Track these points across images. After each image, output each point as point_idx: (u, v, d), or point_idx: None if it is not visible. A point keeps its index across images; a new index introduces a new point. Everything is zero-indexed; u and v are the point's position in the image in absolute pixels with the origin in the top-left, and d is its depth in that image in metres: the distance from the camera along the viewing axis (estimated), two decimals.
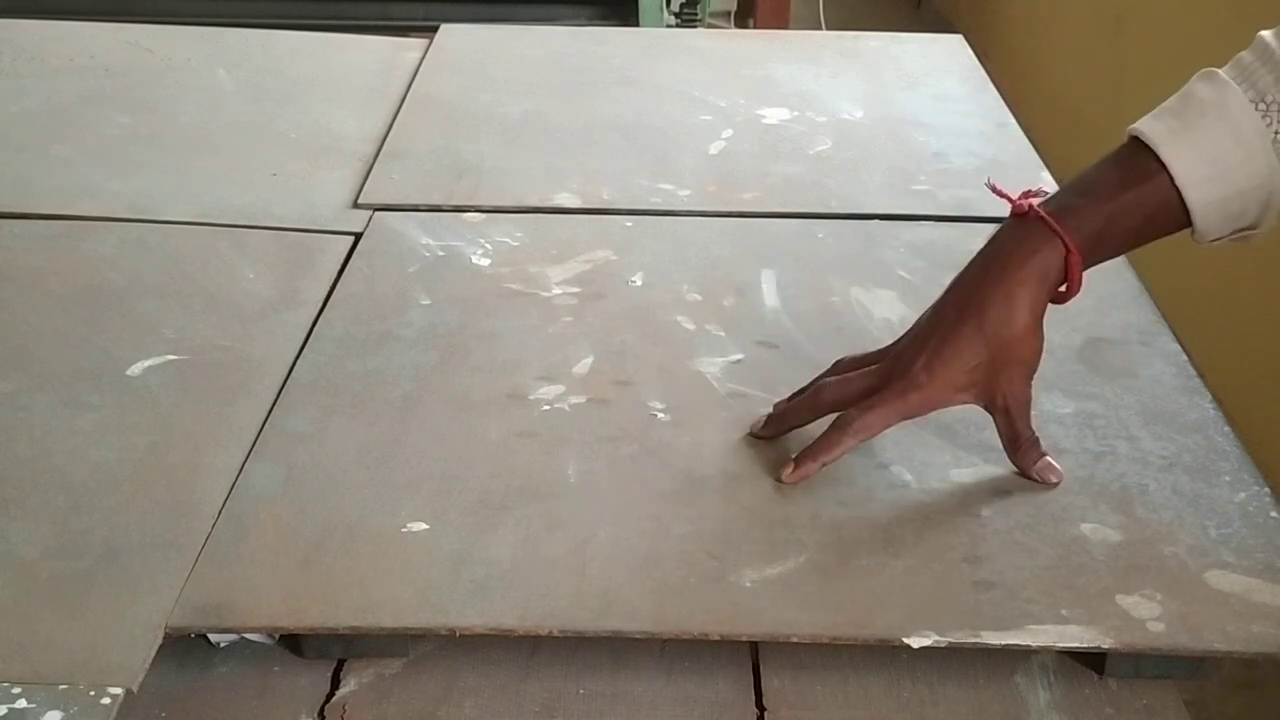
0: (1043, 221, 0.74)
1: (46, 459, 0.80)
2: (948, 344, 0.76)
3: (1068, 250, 0.74)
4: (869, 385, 0.79)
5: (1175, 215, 0.73)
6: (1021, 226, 0.76)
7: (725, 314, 0.97)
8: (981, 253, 0.78)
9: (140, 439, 0.82)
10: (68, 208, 1.11)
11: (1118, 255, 0.78)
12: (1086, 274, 0.76)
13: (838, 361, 0.83)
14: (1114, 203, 0.74)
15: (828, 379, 0.81)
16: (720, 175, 1.19)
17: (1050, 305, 0.77)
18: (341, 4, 1.98)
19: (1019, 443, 0.79)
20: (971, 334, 0.75)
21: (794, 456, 0.79)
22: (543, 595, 0.70)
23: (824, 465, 0.78)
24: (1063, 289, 0.76)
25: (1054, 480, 0.79)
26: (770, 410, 0.84)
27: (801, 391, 0.83)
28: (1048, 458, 0.79)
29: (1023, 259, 0.75)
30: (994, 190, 0.80)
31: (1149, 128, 0.73)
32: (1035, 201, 0.76)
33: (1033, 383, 0.78)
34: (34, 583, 0.71)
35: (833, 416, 0.79)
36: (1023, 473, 0.79)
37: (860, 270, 1.03)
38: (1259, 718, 1.60)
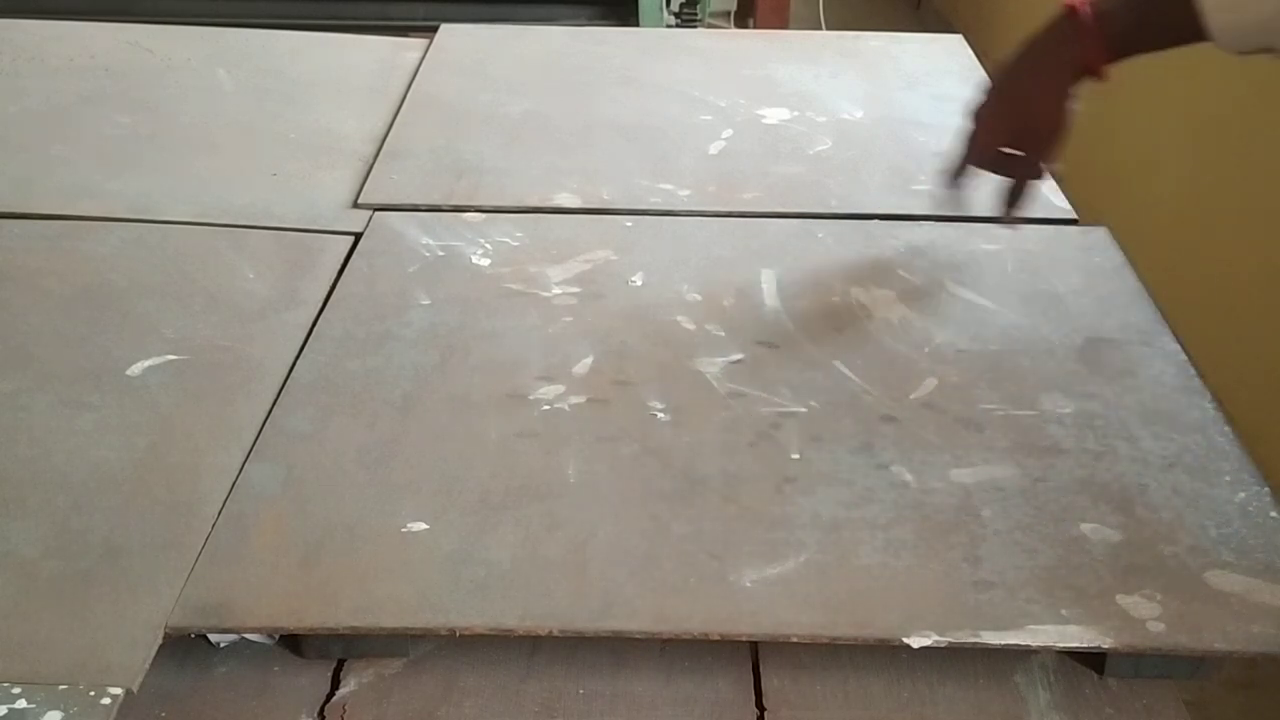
0: (1082, 21, 0.88)
1: (46, 459, 0.80)
2: (988, 112, 0.96)
3: (1098, 47, 0.88)
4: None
5: (1198, 32, 0.83)
6: (1065, 21, 0.90)
7: (725, 314, 0.97)
8: (1026, 39, 0.93)
9: (140, 439, 0.82)
10: (68, 208, 1.11)
11: (1146, 52, 0.89)
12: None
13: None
14: (1145, 11, 0.87)
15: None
16: (720, 175, 1.19)
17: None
18: (341, 4, 1.98)
19: (1021, 194, 0.98)
20: (1005, 105, 0.94)
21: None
22: (543, 595, 0.70)
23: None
24: (1094, 77, 0.90)
25: (1011, 228, 1.04)
26: None
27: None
28: (1017, 216, 1.00)
29: (1057, 45, 0.91)
30: None
31: None
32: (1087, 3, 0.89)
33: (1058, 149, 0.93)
34: (34, 583, 0.71)
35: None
36: (1004, 209, 0.99)
37: (860, 270, 1.03)
38: (1259, 718, 1.60)
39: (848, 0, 3.63)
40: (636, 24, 1.94)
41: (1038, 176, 0.97)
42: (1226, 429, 0.84)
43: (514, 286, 1.01)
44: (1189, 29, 0.83)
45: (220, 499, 0.77)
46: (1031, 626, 0.68)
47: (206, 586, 0.71)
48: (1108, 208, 1.40)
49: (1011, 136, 0.95)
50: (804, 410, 0.86)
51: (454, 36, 1.53)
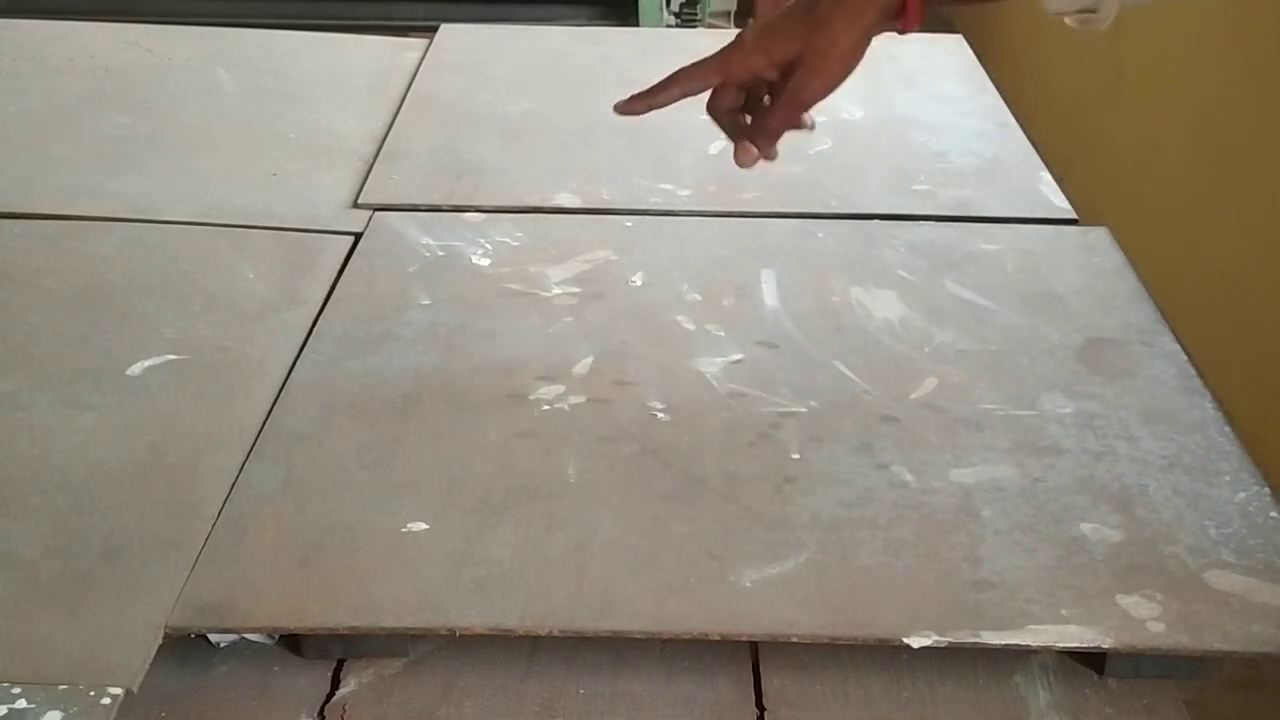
0: None
1: (46, 459, 0.80)
2: (780, 20, 0.81)
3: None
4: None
5: None
6: None
7: (725, 314, 0.97)
8: None
9: (140, 439, 0.82)
10: (68, 208, 1.11)
11: (962, 4, 0.84)
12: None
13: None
14: None
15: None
16: (720, 175, 1.19)
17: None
18: (341, 4, 1.98)
19: (765, 125, 0.81)
20: (800, 18, 0.79)
21: (633, 94, 0.84)
22: (543, 595, 0.70)
23: (650, 108, 0.83)
24: (901, 21, 0.79)
25: (742, 165, 0.81)
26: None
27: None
28: (753, 148, 0.81)
29: None
30: None
31: None
32: None
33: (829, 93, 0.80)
34: (34, 583, 0.71)
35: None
36: (741, 137, 0.81)
37: (860, 270, 1.03)
38: (1259, 718, 1.60)
39: None
40: (636, 24, 1.94)
41: (795, 117, 0.81)
42: (1226, 429, 0.84)
43: (514, 286, 1.01)
44: None
45: (220, 499, 0.77)
46: (1031, 626, 0.68)
47: (206, 586, 0.71)
48: (1108, 208, 1.40)
49: (783, 60, 0.80)
50: (804, 410, 0.86)
51: (454, 36, 1.53)
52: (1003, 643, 0.68)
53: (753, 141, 0.82)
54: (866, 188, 1.18)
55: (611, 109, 0.84)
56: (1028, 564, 0.73)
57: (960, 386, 0.89)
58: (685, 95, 0.83)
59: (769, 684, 0.69)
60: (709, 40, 1.61)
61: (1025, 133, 1.29)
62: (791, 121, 0.81)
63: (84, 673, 0.65)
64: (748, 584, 0.71)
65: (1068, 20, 0.79)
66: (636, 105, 0.84)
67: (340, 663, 0.71)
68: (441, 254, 1.05)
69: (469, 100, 1.35)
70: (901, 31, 0.79)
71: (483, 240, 1.07)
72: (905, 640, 0.68)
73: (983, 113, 1.34)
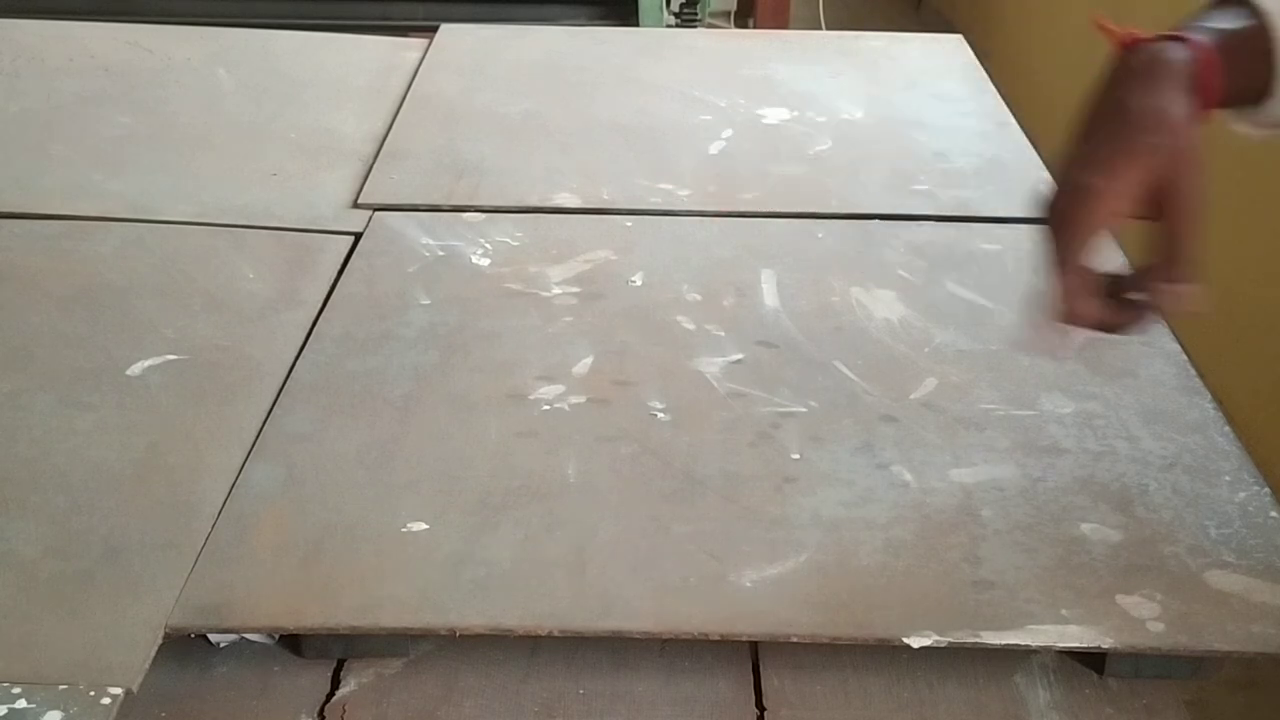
0: (1157, 37, 0.67)
1: (46, 459, 0.80)
2: (1105, 146, 0.66)
3: (1194, 49, 0.66)
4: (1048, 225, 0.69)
5: (1260, 92, 0.66)
6: (1139, 51, 0.67)
7: (725, 314, 0.97)
8: (1102, 82, 0.68)
9: (140, 439, 0.82)
10: (68, 208, 1.11)
11: (1233, 90, 0.68)
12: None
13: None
14: (1223, 38, 0.67)
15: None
16: (720, 175, 1.19)
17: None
18: (341, 4, 1.98)
19: (1179, 259, 0.66)
20: (1130, 133, 0.66)
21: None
22: (543, 595, 0.70)
23: (1081, 323, 0.68)
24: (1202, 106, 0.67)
25: (1200, 310, 0.66)
26: None
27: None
28: (1196, 287, 0.66)
29: (1150, 61, 0.66)
30: (1100, 27, 0.69)
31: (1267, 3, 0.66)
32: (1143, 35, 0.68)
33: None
34: (34, 583, 0.71)
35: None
36: (1157, 294, 0.67)
37: (860, 270, 1.03)
38: (1259, 718, 1.60)
39: (848, 0, 3.63)
40: (636, 24, 1.94)
41: (1196, 231, 0.66)
42: (1226, 429, 0.84)
43: (514, 286, 1.01)
44: (1256, 86, 0.67)
45: (220, 499, 0.77)
46: (1031, 626, 0.68)
47: (206, 586, 0.71)
48: None
49: (1143, 184, 0.65)
50: (804, 410, 0.86)
51: (454, 36, 1.53)
52: (1003, 643, 0.68)
53: (1177, 279, 0.66)
54: (866, 188, 1.18)
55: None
56: (1028, 564, 0.73)
57: (960, 386, 0.89)
58: (1080, 278, 0.67)
59: (769, 684, 0.69)
60: (709, 40, 1.62)
61: (1025, 133, 1.29)
62: (1198, 236, 0.66)
63: (84, 673, 0.65)
64: (748, 584, 0.71)
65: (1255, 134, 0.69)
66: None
67: (340, 663, 0.71)
68: (441, 254, 1.05)
69: (469, 100, 1.35)
70: (1207, 107, 0.67)
71: (483, 240, 1.07)
72: (905, 640, 0.68)
73: (983, 113, 1.34)
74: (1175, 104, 0.66)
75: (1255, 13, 0.67)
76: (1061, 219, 0.67)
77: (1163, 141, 0.65)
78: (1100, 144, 0.67)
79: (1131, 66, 0.67)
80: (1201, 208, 0.66)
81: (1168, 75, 0.66)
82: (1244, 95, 0.68)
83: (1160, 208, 0.66)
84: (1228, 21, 0.68)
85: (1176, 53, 0.67)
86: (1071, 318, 0.68)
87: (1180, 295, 0.66)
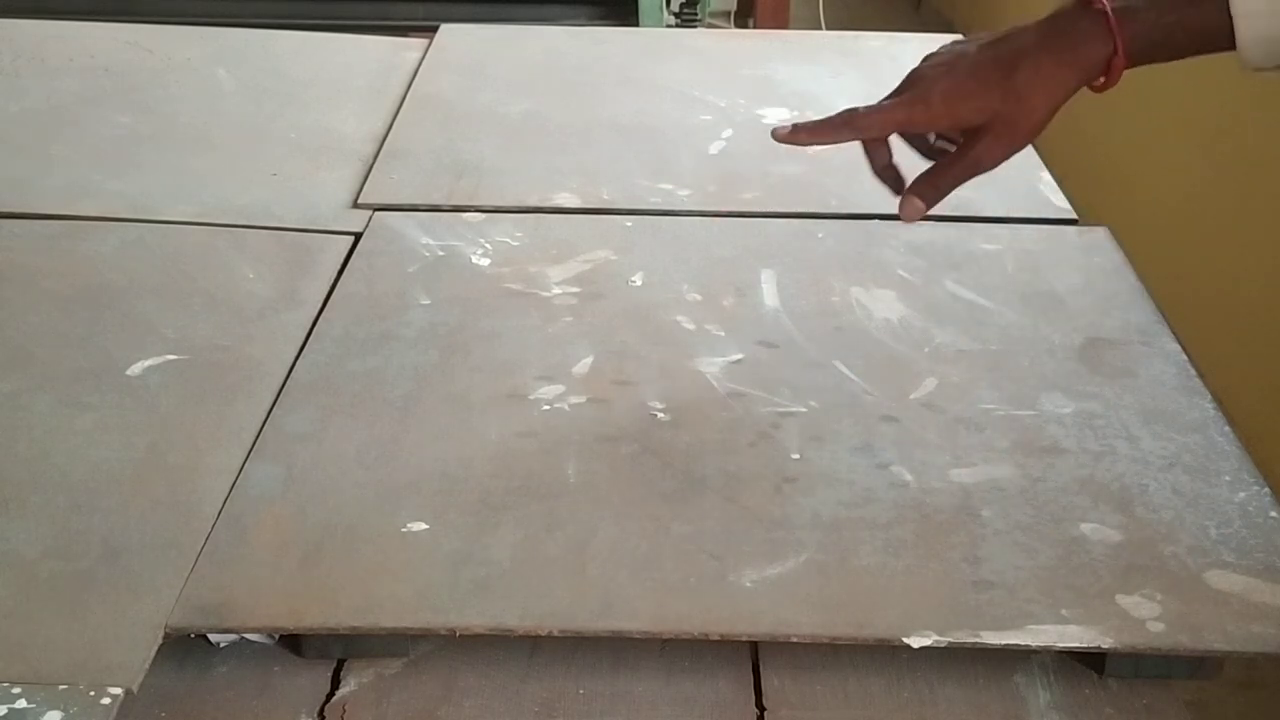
0: (1104, 18, 0.75)
1: (46, 459, 0.80)
2: (971, 79, 0.78)
3: (1115, 52, 0.75)
4: (889, 96, 0.81)
5: (1225, 41, 0.74)
6: (1080, 15, 0.76)
7: (725, 314, 0.97)
8: (1038, 23, 0.78)
9: (140, 439, 0.82)
10: (68, 208, 1.11)
11: (1162, 62, 0.77)
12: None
13: None
14: (1175, 15, 0.74)
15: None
16: (720, 175, 1.19)
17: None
18: (341, 4, 1.98)
19: (935, 181, 0.80)
20: (995, 83, 0.77)
21: (795, 124, 0.81)
22: (543, 595, 0.70)
23: (815, 143, 0.82)
24: (1099, 81, 0.77)
25: (906, 218, 0.80)
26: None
27: None
28: (920, 203, 0.80)
29: (1073, 42, 0.76)
30: None
31: None
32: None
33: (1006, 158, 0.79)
34: (34, 583, 0.71)
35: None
36: (907, 190, 0.81)
37: (860, 270, 1.03)
38: (1259, 718, 1.60)
39: (848, 0, 3.63)
40: (636, 24, 1.93)
41: (969, 178, 0.80)
42: (1226, 429, 0.84)
43: (514, 286, 1.01)
44: (1215, 36, 0.74)
45: (220, 499, 0.77)
46: (1031, 626, 0.68)
47: (206, 586, 0.71)
48: (1108, 208, 1.40)
49: (970, 124, 0.78)
50: (804, 410, 0.86)
51: (454, 36, 1.53)
52: (1003, 643, 0.68)
53: (919, 196, 0.80)
54: (866, 188, 1.17)
55: (771, 135, 0.82)
56: (1028, 564, 0.73)
57: (960, 386, 0.89)
58: (857, 138, 0.82)
59: (769, 684, 0.69)
60: (709, 40, 1.61)
61: None
62: (963, 182, 0.80)
63: (84, 673, 0.65)
64: (748, 584, 0.71)
65: (1269, 74, 0.76)
66: (801, 136, 0.81)
67: (340, 663, 0.71)
68: (441, 254, 1.05)
69: (469, 100, 1.35)
70: (1098, 90, 0.78)
71: (483, 240, 1.07)
72: (905, 640, 0.68)
73: None
74: (1048, 90, 0.77)
75: None
76: (891, 100, 0.81)
77: (1005, 109, 0.77)
78: (969, 72, 0.79)
79: (1058, 31, 0.77)
80: (982, 168, 0.79)
81: (1071, 65, 0.76)
82: (1196, 52, 0.76)
83: (965, 144, 0.79)
84: None
85: (1097, 47, 0.75)
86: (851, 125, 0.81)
87: (909, 205, 0.81)
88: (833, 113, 0.82)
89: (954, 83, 0.78)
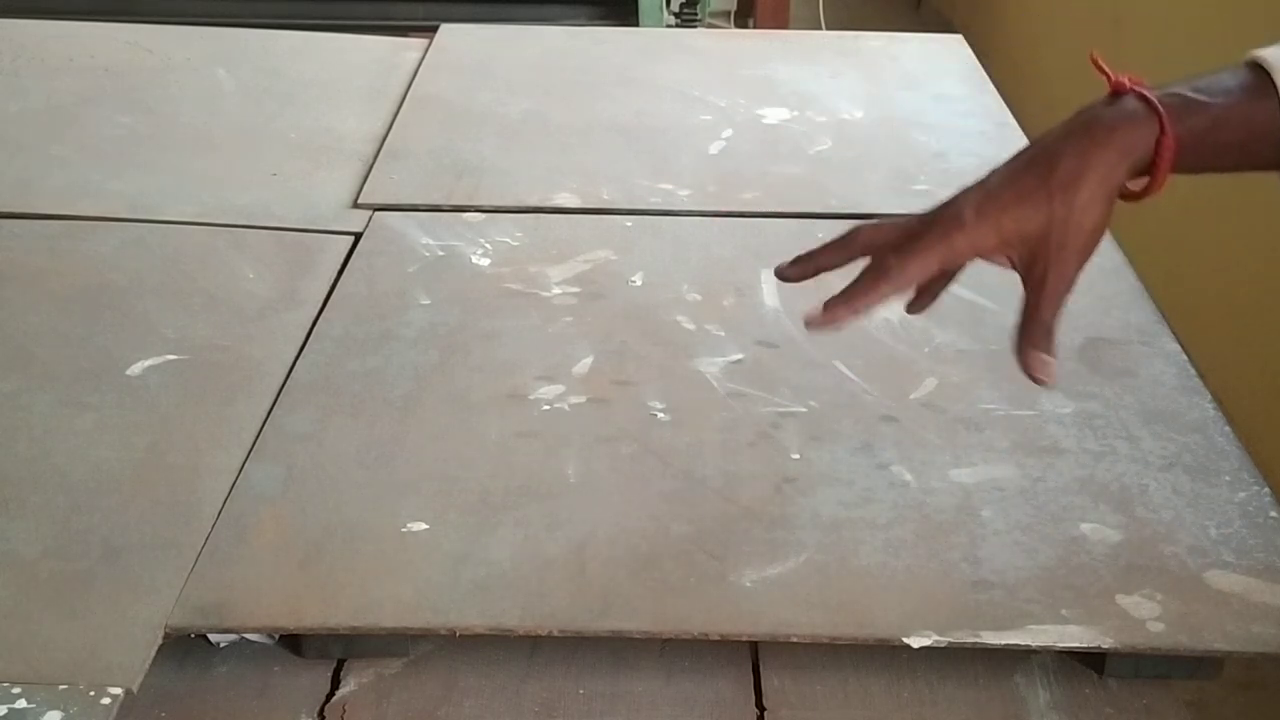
0: (1144, 100, 0.65)
1: (46, 459, 0.80)
2: (1007, 188, 0.67)
3: (1162, 132, 0.65)
4: (909, 229, 0.69)
5: (1275, 146, 0.65)
6: (1121, 103, 0.66)
7: (725, 314, 0.97)
8: (1068, 121, 0.68)
9: (140, 439, 0.82)
10: (68, 208, 1.11)
11: (1206, 170, 0.68)
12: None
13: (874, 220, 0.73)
14: (1224, 108, 0.65)
15: (869, 222, 0.71)
16: (720, 175, 1.19)
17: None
18: (341, 4, 1.98)
19: (1036, 323, 0.68)
20: (1035, 185, 0.66)
21: (825, 300, 0.68)
22: (543, 595, 0.70)
23: (856, 314, 0.68)
24: (1141, 184, 0.67)
25: (1040, 377, 0.68)
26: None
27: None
28: (1050, 358, 0.68)
29: (1111, 125, 0.66)
30: (1097, 65, 0.69)
31: (1271, 54, 0.65)
32: (1136, 86, 0.67)
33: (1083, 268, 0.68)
34: (34, 583, 0.71)
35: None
36: (1019, 357, 0.69)
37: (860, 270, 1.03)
38: (1259, 718, 1.60)
39: (848, 0, 3.63)
40: (636, 24, 1.94)
41: (1061, 306, 0.69)
42: (1226, 429, 0.84)
43: (514, 286, 1.01)
44: (1266, 142, 0.65)
45: (220, 499, 0.77)
46: (1031, 626, 0.68)
47: (206, 586, 0.71)
48: None
49: (1020, 238, 0.68)
50: (804, 410, 0.86)
51: (454, 36, 1.53)
52: (1003, 643, 0.68)
53: (1039, 349, 0.69)
54: (866, 188, 1.18)
55: (805, 326, 0.69)
56: (1028, 564, 0.73)
57: (960, 386, 0.89)
58: (901, 291, 0.69)
59: (769, 684, 0.69)
60: (709, 40, 1.62)
61: (1025, 133, 1.29)
62: (1058, 311, 0.68)
63: (84, 673, 0.65)
64: (748, 584, 0.71)
65: None
66: (839, 313, 0.68)
67: (340, 663, 0.71)
68: (441, 254, 1.05)
69: (469, 100, 1.35)
70: (1148, 190, 0.68)
71: (483, 240, 1.07)
72: (905, 640, 0.68)
73: (983, 113, 1.34)
74: (1098, 179, 0.66)
75: (1265, 72, 0.65)
76: (921, 234, 0.68)
77: (1055, 212, 0.66)
78: (1001, 182, 0.68)
79: (1092, 117, 0.67)
80: (1064, 289, 0.68)
81: (1114, 146, 0.66)
82: (1246, 158, 0.67)
83: (1029, 270, 0.69)
84: (1230, 82, 0.66)
85: (1141, 128, 0.66)
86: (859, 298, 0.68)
87: (1033, 362, 0.69)
88: (856, 269, 0.70)
89: (988, 196, 0.68)
